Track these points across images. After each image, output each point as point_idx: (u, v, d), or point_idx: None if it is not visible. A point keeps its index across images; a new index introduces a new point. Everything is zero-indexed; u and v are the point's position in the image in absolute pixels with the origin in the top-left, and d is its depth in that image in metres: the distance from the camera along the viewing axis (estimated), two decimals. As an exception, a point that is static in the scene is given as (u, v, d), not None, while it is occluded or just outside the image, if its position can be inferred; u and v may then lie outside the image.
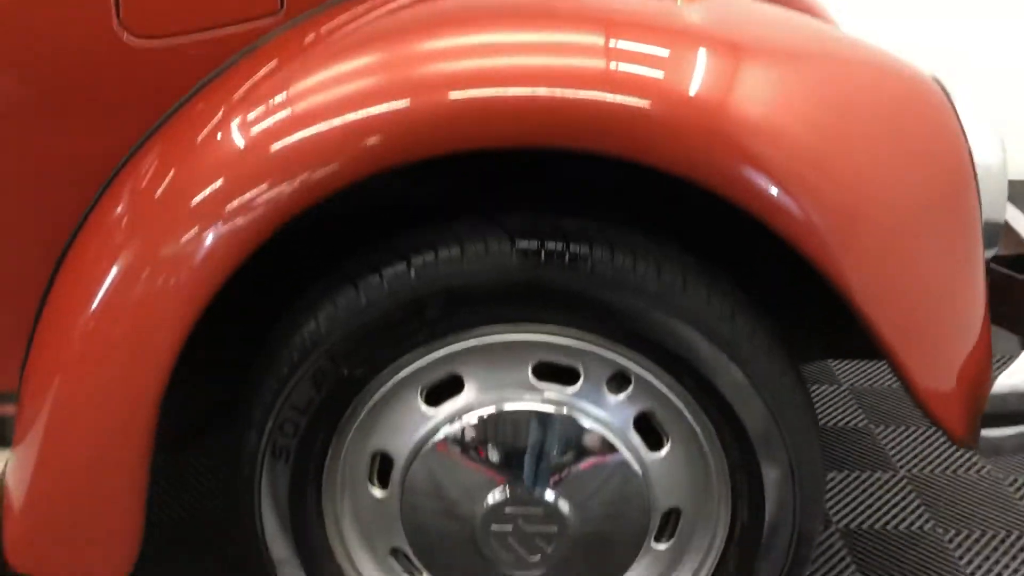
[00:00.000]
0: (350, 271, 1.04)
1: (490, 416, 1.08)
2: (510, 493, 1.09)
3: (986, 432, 1.05)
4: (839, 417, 1.98)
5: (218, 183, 1.00)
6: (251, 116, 1.02)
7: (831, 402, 2.04)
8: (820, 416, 1.97)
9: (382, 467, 1.14)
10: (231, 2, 1.12)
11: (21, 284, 1.17)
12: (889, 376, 2.16)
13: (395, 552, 1.17)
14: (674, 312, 1.01)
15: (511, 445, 1.09)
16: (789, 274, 1.20)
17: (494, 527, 1.10)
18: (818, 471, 1.08)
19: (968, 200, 1.05)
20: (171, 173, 1.05)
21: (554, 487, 1.09)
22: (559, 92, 0.93)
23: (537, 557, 1.11)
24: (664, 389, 1.07)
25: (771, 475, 1.07)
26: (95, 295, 1.05)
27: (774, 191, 0.95)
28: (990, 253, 1.13)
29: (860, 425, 1.95)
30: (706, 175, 0.94)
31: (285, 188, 0.98)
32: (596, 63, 0.97)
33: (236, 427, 1.10)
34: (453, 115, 0.94)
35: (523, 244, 1.00)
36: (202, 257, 1.00)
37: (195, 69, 1.12)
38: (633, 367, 1.07)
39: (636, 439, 1.10)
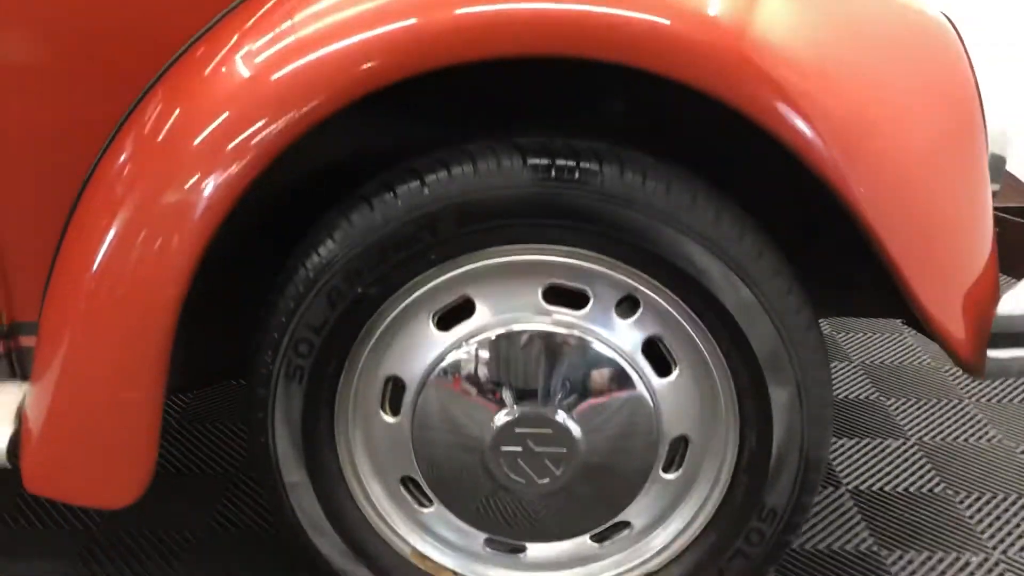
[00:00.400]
0: (365, 191, 1.06)
1: (501, 337, 1.10)
2: (520, 414, 1.10)
3: (992, 353, 1.06)
4: (851, 390, 1.98)
5: (221, 120, 1.02)
6: (255, 47, 1.04)
7: (843, 377, 2.04)
8: (835, 393, 1.97)
9: (394, 394, 1.15)
10: None
11: (40, 222, 1.20)
12: (899, 352, 2.16)
13: (405, 481, 1.19)
14: (683, 230, 1.02)
15: (521, 367, 1.10)
16: (801, 230, 1.23)
17: (504, 448, 1.11)
18: (826, 394, 1.09)
19: (974, 128, 1.07)
20: (171, 118, 1.07)
21: (563, 409, 1.10)
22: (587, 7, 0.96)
23: (546, 480, 1.12)
24: (673, 312, 1.09)
25: (779, 398, 1.08)
26: (98, 252, 1.08)
27: (785, 107, 0.97)
28: (994, 187, 1.14)
29: (872, 397, 1.95)
30: (723, 91, 0.96)
31: (293, 114, 1.00)
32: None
33: (252, 348, 1.12)
34: (468, 28, 0.97)
35: (534, 160, 1.02)
36: (208, 194, 1.02)
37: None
38: (642, 289, 1.08)
39: (645, 364, 1.11)
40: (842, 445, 1.77)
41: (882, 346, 2.19)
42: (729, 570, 1.16)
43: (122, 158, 1.11)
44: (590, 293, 1.10)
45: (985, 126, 1.11)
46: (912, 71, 1.06)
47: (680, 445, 1.15)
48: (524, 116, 1.13)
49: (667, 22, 0.97)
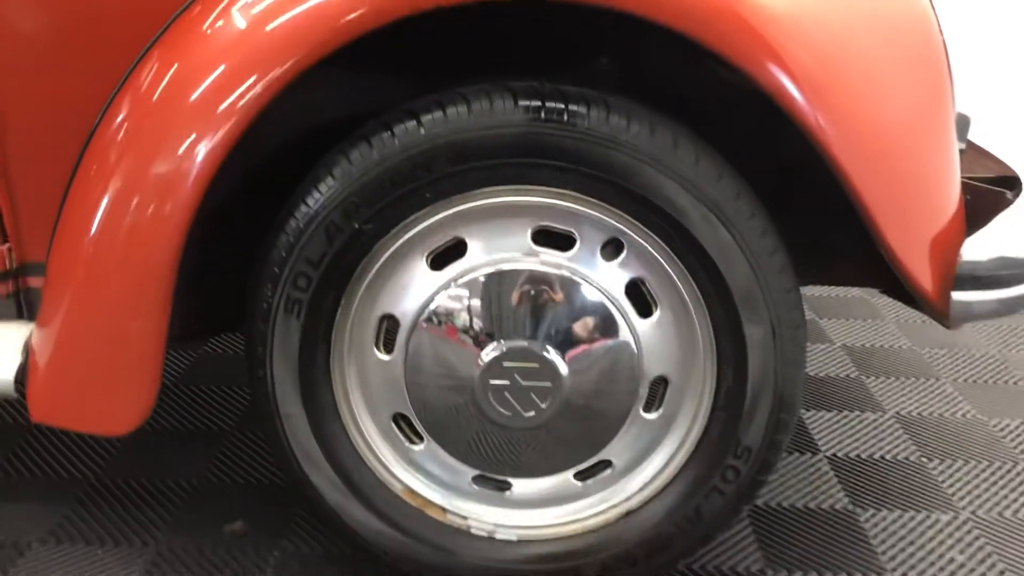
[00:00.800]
0: (364, 131, 1.12)
1: (491, 276, 1.15)
2: (508, 348, 1.15)
3: (957, 295, 1.12)
4: (832, 369, 2.04)
5: (217, 72, 1.07)
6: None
7: (825, 356, 2.10)
8: (814, 369, 2.03)
9: (388, 332, 1.20)
10: None
11: (49, 167, 1.25)
12: (879, 335, 2.22)
13: (397, 418, 1.23)
14: (664, 171, 1.08)
15: (510, 305, 1.15)
16: (782, 199, 1.29)
17: (492, 382, 1.16)
18: (798, 335, 1.15)
19: (942, 82, 1.13)
20: (168, 77, 1.11)
21: (549, 345, 1.15)
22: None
23: (532, 413, 1.17)
24: (655, 254, 1.14)
25: (754, 336, 1.13)
26: (110, 182, 1.13)
27: (763, 52, 1.03)
28: (960, 145, 1.20)
29: (852, 375, 2.01)
30: (709, 38, 1.02)
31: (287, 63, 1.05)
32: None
33: (252, 282, 1.17)
34: None
35: (525, 102, 1.08)
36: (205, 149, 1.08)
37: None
38: (626, 231, 1.14)
39: (628, 304, 1.16)
40: (821, 416, 1.83)
41: (863, 330, 2.25)
42: (706, 506, 1.21)
43: (124, 111, 1.16)
44: (577, 235, 1.16)
45: (952, 84, 1.18)
46: (882, 25, 1.12)
47: (660, 385, 1.21)
48: (517, 73, 1.19)
49: None
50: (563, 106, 1.08)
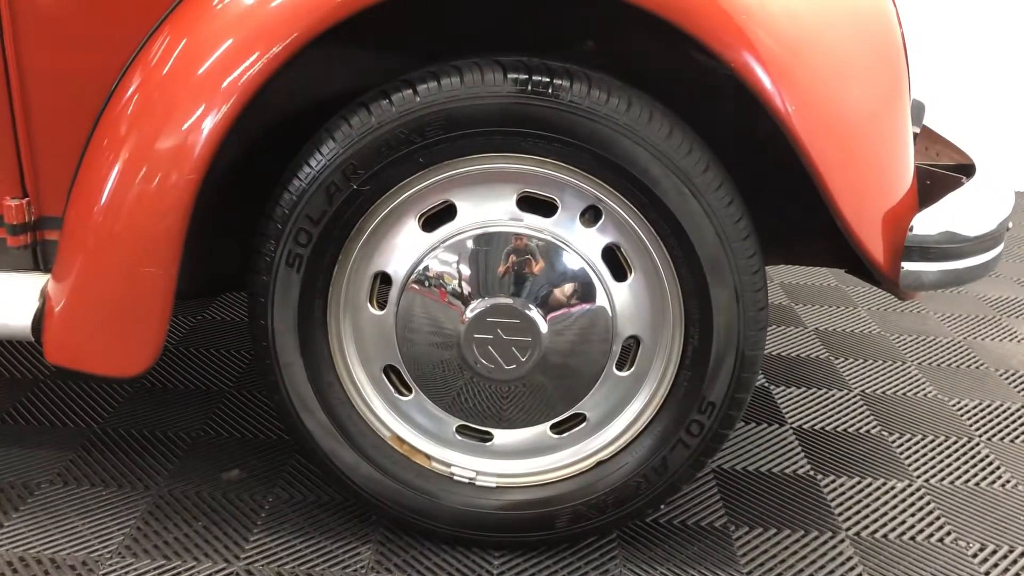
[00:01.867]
0: (364, 98, 1.21)
1: (478, 237, 1.24)
2: (492, 305, 1.25)
3: (907, 266, 1.21)
4: (802, 350, 2.13)
5: (225, 46, 1.16)
6: None
7: (796, 339, 2.19)
8: (786, 349, 2.13)
9: (381, 288, 1.29)
10: None
11: (68, 125, 1.33)
12: (850, 321, 2.32)
13: (387, 371, 1.32)
14: (639, 142, 1.17)
15: (495, 265, 1.25)
16: (752, 182, 1.38)
17: (477, 336, 1.25)
18: (760, 298, 1.24)
19: (896, 63, 1.23)
20: (177, 51, 1.20)
21: (531, 303, 1.25)
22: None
23: (513, 366, 1.26)
24: (630, 220, 1.23)
25: (719, 299, 1.23)
26: (126, 140, 1.22)
27: (730, 33, 1.12)
28: (915, 129, 1.30)
29: (821, 356, 2.11)
30: (683, 21, 1.12)
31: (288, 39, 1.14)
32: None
33: (255, 238, 1.26)
34: None
35: (513, 75, 1.17)
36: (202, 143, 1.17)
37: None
38: (604, 199, 1.23)
39: (604, 268, 1.26)
40: (790, 392, 1.92)
41: (836, 316, 2.35)
42: (672, 458, 1.30)
43: (135, 83, 1.24)
44: (558, 202, 1.25)
45: (909, 72, 1.27)
46: (846, 16, 1.22)
47: (632, 345, 1.30)
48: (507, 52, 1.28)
49: None
50: (548, 79, 1.17)
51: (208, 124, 1.17)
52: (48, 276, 1.35)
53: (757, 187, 1.36)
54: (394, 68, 1.27)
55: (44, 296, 1.31)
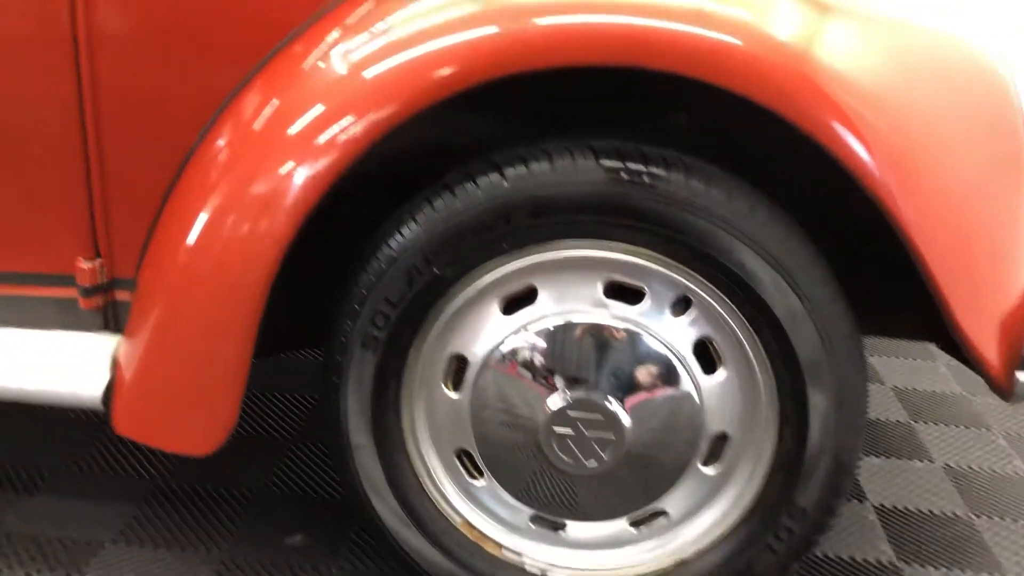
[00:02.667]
0: (448, 179, 1.16)
1: (561, 326, 1.18)
2: (573, 399, 1.19)
3: (1022, 376, 1.13)
4: (883, 412, 2.04)
5: (318, 109, 1.12)
6: (352, 44, 1.14)
7: (875, 400, 2.10)
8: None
9: (457, 370, 1.24)
10: None
11: (143, 186, 1.30)
12: (930, 379, 2.22)
13: (460, 454, 1.27)
14: (739, 237, 1.10)
15: (578, 355, 1.19)
16: (844, 251, 1.30)
17: (556, 429, 1.19)
18: (860, 403, 1.16)
19: (1019, 152, 1.14)
20: (268, 107, 1.17)
21: (614, 397, 1.18)
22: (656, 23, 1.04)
23: (593, 463, 1.20)
24: (724, 314, 1.16)
25: (817, 403, 1.16)
26: (204, 207, 1.18)
27: (844, 129, 1.04)
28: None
29: (901, 420, 2.01)
30: (788, 111, 1.04)
31: (381, 112, 1.09)
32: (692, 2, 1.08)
33: (332, 316, 1.22)
34: (543, 39, 1.06)
35: (607, 162, 1.11)
36: (302, 182, 1.12)
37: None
38: (696, 290, 1.16)
39: (693, 361, 1.19)
40: (870, 462, 1.83)
41: (914, 371, 2.25)
42: (757, 563, 1.23)
43: (221, 140, 1.21)
44: (647, 290, 1.18)
45: (1031, 163, 1.18)
46: (962, 103, 1.14)
47: (720, 441, 1.23)
48: (597, 124, 1.22)
49: (739, 42, 1.05)
50: (643, 167, 1.10)
51: (298, 186, 1.13)
52: (119, 339, 1.32)
53: (848, 259, 1.28)
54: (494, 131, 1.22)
55: (114, 365, 1.29)
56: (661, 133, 1.22)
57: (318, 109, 1.12)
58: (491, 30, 1.08)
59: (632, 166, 1.10)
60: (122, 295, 1.36)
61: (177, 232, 1.21)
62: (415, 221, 1.15)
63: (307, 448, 1.76)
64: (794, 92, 1.04)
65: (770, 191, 1.15)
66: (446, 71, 1.08)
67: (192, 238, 1.18)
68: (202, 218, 1.18)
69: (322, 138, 1.11)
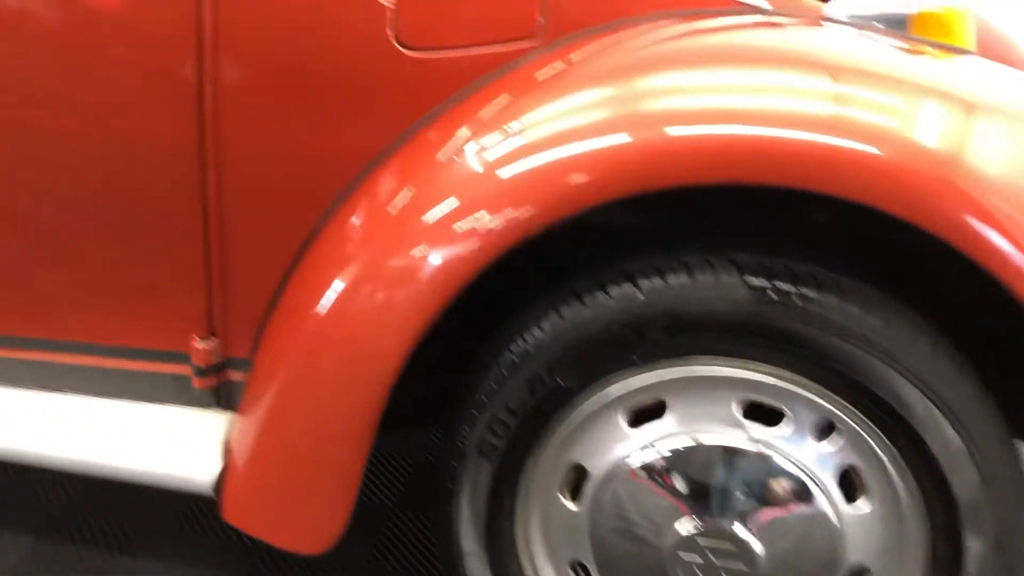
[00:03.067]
0: (578, 287, 1.09)
1: (691, 447, 1.10)
2: (704, 524, 1.10)
3: None
4: None
5: (451, 203, 1.08)
6: (486, 141, 1.10)
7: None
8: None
9: (576, 481, 1.18)
10: (491, 23, 1.20)
11: (261, 267, 1.28)
12: None
13: (575, 566, 1.21)
14: (896, 367, 1.01)
15: (709, 477, 1.11)
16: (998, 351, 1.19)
17: (683, 555, 1.12)
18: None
19: None
20: (405, 190, 1.13)
21: (747, 525, 1.10)
22: (795, 135, 0.96)
23: (721, 593, 1.12)
24: (873, 444, 1.07)
25: (974, 547, 1.05)
26: (326, 297, 1.14)
27: (1001, 244, 0.94)
28: None
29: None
30: (934, 223, 0.95)
31: (518, 214, 1.04)
32: (828, 108, 1.00)
33: (450, 419, 1.17)
34: (678, 151, 0.99)
35: (753, 280, 1.02)
36: (432, 272, 1.07)
37: (451, 82, 1.21)
38: (844, 417, 1.07)
39: (835, 490, 1.09)
40: None
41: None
42: None
43: (353, 220, 1.19)
44: (787, 412, 1.09)
45: None
46: None
47: (860, 574, 1.13)
48: (724, 218, 1.14)
49: (879, 152, 0.96)
50: (792, 287, 1.02)
51: (433, 277, 1.08)
52: (231, 420, 1.30)
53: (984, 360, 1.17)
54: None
55: (226, 451, 1.27)
56: (796, 229, 1.14)
57: (452, 203, 1.08)
58: (622, 139, 1.02)
59: (780, 285, 1.02)
60: (236, 376, 1.34)
61: (304, 303, 1.18)
62: (540, 328, 1.09)
63: (406, 519, 1.72)
64: (944, 208, 0.95)
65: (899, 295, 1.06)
66: (580, 178, 1.01)
67: (323, 306, 1.14)
68: (335, 288, 1.13)
69: (459, 227, 1.06)
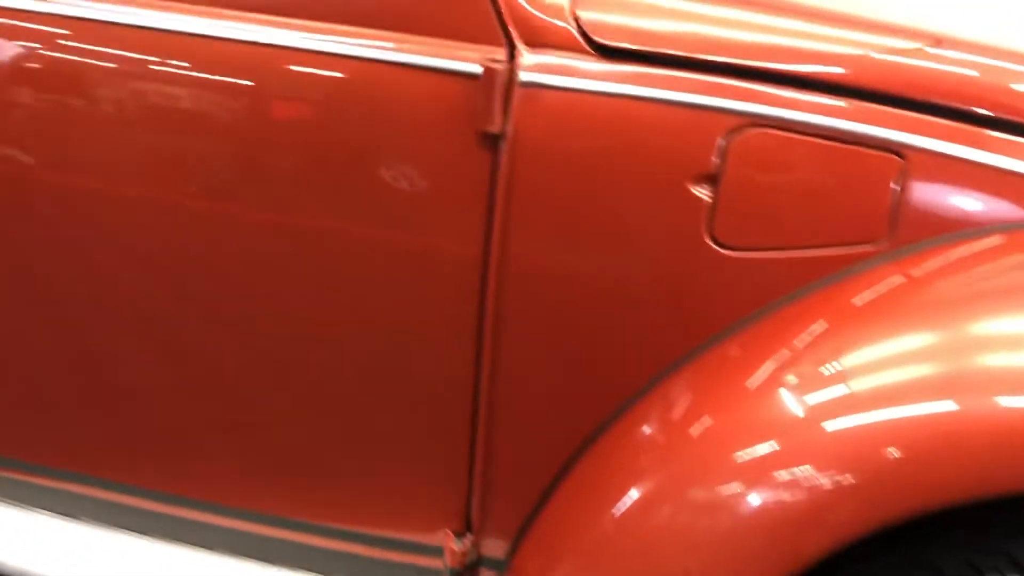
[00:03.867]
0: (942, 563, 0.92)
1: None
2: None
3: None
4: None
5: (768, 446, 0.93)
6: (802, 379, 0.96)
7: None
8: None
9: None
10: (830, 222, 1.05)
11: (531, 457, 1.16)
12: None
13: None
14: None
15: None
16: None
17: None
18: None
19: None
20: (707, 416, 1.01)
21: None
22: None
23: None
24: None
25: None
26: (621, 503, 1.02)
27: None
28: None
29: None
30: None
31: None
32: None
33: None
34: None
35: None
36: (745, 516, 0.93)
37: (771, 285, 1.07)
38: None
39: None
40: None
41: None
42: None
43: (644, 429, 1.07)
44: None
45: None
46: None
47: None
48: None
49: None
50: None
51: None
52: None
53: None
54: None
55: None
56: None
57: (771, 446, 0.93)
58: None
59: None
60: (487, 574, 1.21)
61: (589, 508, 1.07)
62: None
63: None
64: None
65: None
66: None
67: (617, 511, 1.01)
68: (619, 508, 1.01)
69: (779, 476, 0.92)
